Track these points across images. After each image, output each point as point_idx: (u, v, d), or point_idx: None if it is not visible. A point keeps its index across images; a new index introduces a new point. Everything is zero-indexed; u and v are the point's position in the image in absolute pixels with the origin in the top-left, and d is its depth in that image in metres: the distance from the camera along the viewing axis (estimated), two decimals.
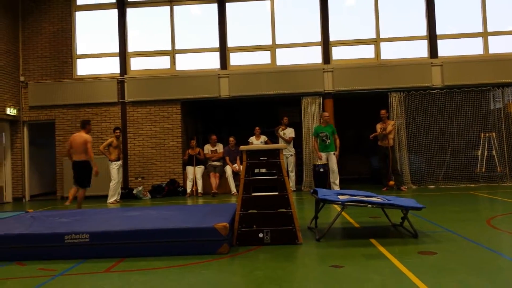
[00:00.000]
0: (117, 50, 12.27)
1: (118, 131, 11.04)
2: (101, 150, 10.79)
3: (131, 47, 12.37)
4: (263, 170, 5.86)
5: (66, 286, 3.90)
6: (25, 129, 12.35)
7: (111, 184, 10.71)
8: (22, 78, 12.22)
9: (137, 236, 4.75)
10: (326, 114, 11.14)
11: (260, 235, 5.07)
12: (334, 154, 10.81)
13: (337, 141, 10.88)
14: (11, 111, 11.74)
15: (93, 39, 12.46)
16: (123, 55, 12.24)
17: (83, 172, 8.80)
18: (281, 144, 5.69)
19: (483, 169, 11.64)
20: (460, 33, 11.81)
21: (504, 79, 11.37)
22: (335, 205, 5.80)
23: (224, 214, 5.41)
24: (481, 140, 11.64)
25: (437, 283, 3.55)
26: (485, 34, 11.67)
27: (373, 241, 5.08)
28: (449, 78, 11.39)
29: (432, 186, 11.11)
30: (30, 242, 4.78)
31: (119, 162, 10.89)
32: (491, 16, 11.63)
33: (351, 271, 4.00)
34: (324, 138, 10.86)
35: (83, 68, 12.36)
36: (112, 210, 6.72)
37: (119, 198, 10.88)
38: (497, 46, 11.62)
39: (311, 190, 6.12)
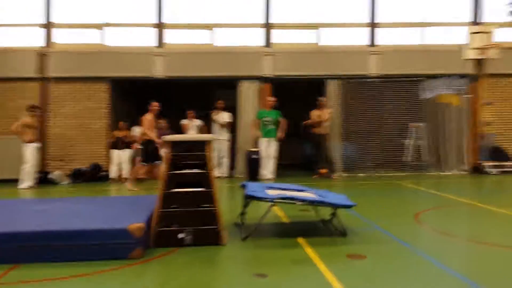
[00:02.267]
0: (40, 20, 11.07)
1: (34, 109, 10.01)
2: (13, 130, 9.72)
3: (56, 18, 11.19)
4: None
5: None
6: None
7: (23, 167, 9.69)
8: None
9: (35, 238, 4.12)
10: (271, 98, 10.81)
11: (180, 235, 4.61)
12: (275, 140, 10.57)
13: (284, 123, 10.62)
14: None
15: (13, 7, 11.15)
16: (47, 25, 11.07)
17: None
18: (208, 135, 5.22)
19: (411, 158, 11.92)
20: (399, 22, 11.83)
21: (437, 70, 11.56)
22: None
23: (142, 210, 4.89)
24: (411, 129, 11.88)
25: None
26: (423, 25, 11.78)
27: (300, 240, 4.80)
28: (385, 67, 11.42)
29: (362, 174, 11.18)
30: None
31: (35, 144, 9.89)
32: (430, 6, 11.74)
33: (275, 281, 3.67)
34: (266, 123, 10.55)
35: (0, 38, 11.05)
36: (12, 203, 5.95)
37: (33, 183, 9.89)
38: (434, 37, 11.79)
39: (240, 184, 5.75)
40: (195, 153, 4.76)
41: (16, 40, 11.17)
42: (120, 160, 10.78)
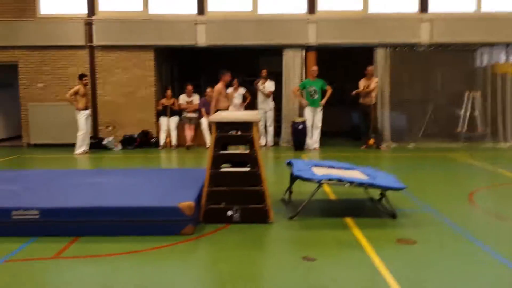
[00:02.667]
0: None
1: (85, 78, 10.30)
2: (67, 98, 10.09)
3: None
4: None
5: (6, 278, 3.51)
6: None
7: (78, 134, 10.10)
8: None
9: (91, 214, 4.32)
10: (315, 68, 10.60)
11: (229, 213, 4.70)
12: (320, 110, 10.44)
13: (329, 91, 10.46)
14: None
15: None
16: None
17: None
18: (254, 116, 5.19)
19: (465, 129, 11.45)
20: None
21: (493, 39, 10.85)
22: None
23: (192, 186, 5.00)
24: (465, 99, 11.35)
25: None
26: None
27: (348, 221, 4.78)
28: (438, 35, 10.76)
29: (412, 145, 10.86)
30: None
31: (88, 112, 10.25)
32: None
33: (323, 265, 3.69)
34: (312, 92, 10.41)
35: (47, 6, 11.25)
36: (70, 174, 6.23)
37: (88, 148, 10.33)
38: (490, 3, 10.95)
39: (286, 161, 5.73)
40: (241, 134, 4.77)
41: (63, 7, 11.31)
42: (168, 127, 11.00)
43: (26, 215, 4.30)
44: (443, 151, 10.02)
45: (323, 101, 10.47)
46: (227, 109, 9.39)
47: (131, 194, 4.81)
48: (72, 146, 10.21)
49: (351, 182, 4.84)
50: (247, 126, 4.76)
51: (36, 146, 11.17)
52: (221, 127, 4.75)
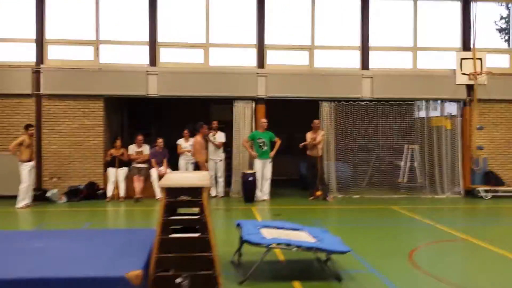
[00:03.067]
0: (33, 36, 11.06)
1: (32, 129, 10.05)
2: (10, 149, 9.74)
3: (49, 34, 11.19)
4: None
5: None
6: None
7: (20, 187, 9.73)
8: None
9: (34, 285, 4.16)
10: (264, 120, 10.91)
11: (177, 280, 4.66)
12: (270, 162, 10.69)
13: (278, 142, 10.75)
14: None
15: (6, 22, 11.13)
16: (40, 41, 11.07)
17: None
18: (204, 180, 5.28)
19: (406, 179, 12.09)
20: (392, 46, 11.96)
21: (429, 95, 11.75)
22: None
23: (139, 251, 4.93)
24: (404, 151, 12.07)
25: None
26: (415, 49, 11.91)
27: (296, 285, 4.89)
28: (378, 91, 11.54)
29: (357, 196, 11.30)
30: None
31: (31, 163, 9.91)
32: (421, 32, 11.86)
33: None
34: (261, 144, 10.65)
35: None
36: (10, 237, 5.95)
37: (30, 201, 9.93)
38: (425, 61, 11.92)
39: (236, 222, 5.83)
40: (191, 199, 4.83)
41: (10, 55, 11.12)
42: (117, 178, 10.81)
43: None
44: (385, 203, 10.50)
45: (272, 153, 10.75)
46: (206, 161, 9.82)
47: (76, 261, 4.67)
48: (14, 198, 9.79)
49: (299, 246, 4.99)
50: (197, 191, 4.83)
51: None
52: (170, 192, 4.79)
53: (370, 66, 11.69)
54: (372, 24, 11.69)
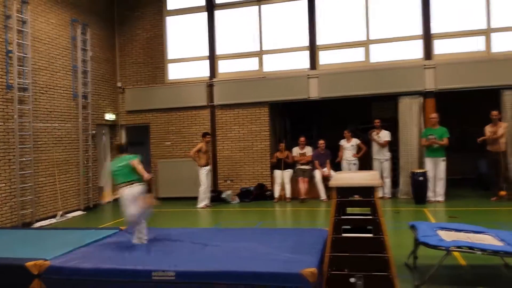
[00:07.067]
0: (206, 53, 12.29)
1: (208, 136, 11.12)
2: (191, 155, 10.94)
3: (219, 50, 12.31)
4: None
5: None
6: (123, 132, 12.96)
7: (200, 189, 10.84)
8: (119, 84, 12.79)
9: (221, 278, 4.56)
10: (434, 115, 10.19)
11: (352, 280, 4.61)
12: (443, 160, 9.91)
13: (444, 141, 9.91)
14: (110, 116, 12.36)
15: (183, 43, 12.60)
16: (212, 58, 12.24)
17: None
18: (375, 180, 5.11)
19: None
20: None
21: None
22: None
23: (312, 250, 5.03)
24: None
25: None
26: None
27: None
28: None
29: None
30: (117, 276, 4.81)
31: (208, 167, 10.96)
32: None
33: None
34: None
35: (174, 72, 12.58)
36: (197, 235, 6.65)
37: (209, 202, 10.98)
38: None
39: (409, 224, 5.51)
40: (363, 199, 4.73)
41: (187, 72, 12.52)
42: (283, 180, 11.27)
43: (164, 276, 4.69)
44: None
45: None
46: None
47: (256, 258, 4.97)
48: (194, 199, 10.95)
49: (484, 250, 4.48)
50: (368, 190, 4.72)
51: (164, 199, 12.17)
52: (341, 191, 4.77)
53: None
54: None
